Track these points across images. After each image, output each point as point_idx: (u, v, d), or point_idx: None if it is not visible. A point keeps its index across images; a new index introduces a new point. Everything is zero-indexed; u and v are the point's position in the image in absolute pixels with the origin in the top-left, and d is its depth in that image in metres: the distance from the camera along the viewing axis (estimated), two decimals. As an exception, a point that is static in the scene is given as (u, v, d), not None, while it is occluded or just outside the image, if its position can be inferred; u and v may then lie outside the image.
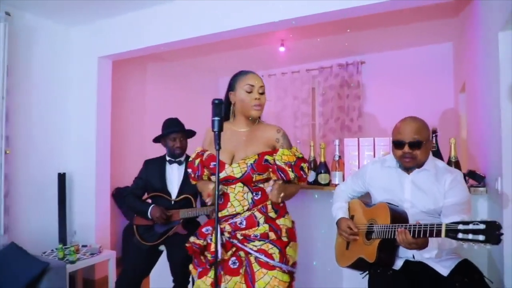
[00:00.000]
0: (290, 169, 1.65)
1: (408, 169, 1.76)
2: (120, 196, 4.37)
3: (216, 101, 1.46)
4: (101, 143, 3.82)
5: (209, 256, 1.67)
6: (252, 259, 1.61)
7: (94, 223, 3.76)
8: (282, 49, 4.46)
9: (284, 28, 3.47)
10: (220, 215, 1.68)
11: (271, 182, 1.61)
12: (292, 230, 1.72)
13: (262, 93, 1.74)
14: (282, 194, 1.60)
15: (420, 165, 1.73)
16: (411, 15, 3.61)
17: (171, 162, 2.55)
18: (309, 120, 5.38)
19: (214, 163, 1.66)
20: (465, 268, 1.63)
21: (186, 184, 2.48)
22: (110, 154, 3.93)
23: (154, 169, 2.55)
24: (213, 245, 1.63)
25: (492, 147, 2.06)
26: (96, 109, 3.77)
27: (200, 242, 1.70)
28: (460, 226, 1.28)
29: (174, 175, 2.53)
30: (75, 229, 3.69)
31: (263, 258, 1.58)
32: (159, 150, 2.81)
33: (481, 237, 1.23)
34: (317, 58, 5.17)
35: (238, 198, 1.66)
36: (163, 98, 5.17)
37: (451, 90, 4.34)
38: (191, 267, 1.80)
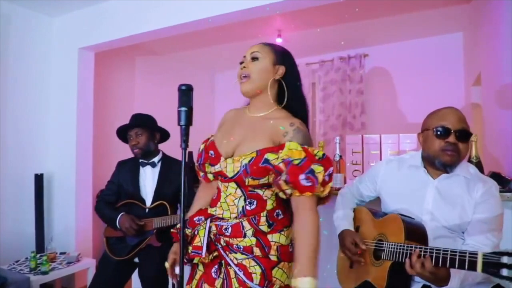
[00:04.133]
0: (285, 168, 1.21)
1: (444, 169, 1.42)
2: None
3: (183, 87, 1.17)
4: (82, 142, 3.54)
5: (190, 250, 1.33)
6: (231, 272, 1.28)
7: (75, 228, 3.48)
8: (279, 40, 4.15)
9: (278, 11, 3.17)
10: (210, 211, 1.39)
11: None
12: (286, 249, 1.31)
13: (255, 59, 1.35)
14: None
15: (452, 167, 1.41)
16: (418, 3, 3.32)
17: (143, 165, 2.25)
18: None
19: (211, 152, 1.37)
20: (498, 296, 1.32)
21: (161, 189, 2.18)
22: (92, 154, 3.65)
23: (126, 172, 2.25)
24: (197, 239, 1.32)
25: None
26: (77, 105, 3.49)
27: (188, 231, 1.38)
28: (505, 259, 0.93)
29: (148, 179, 2.23)
30: (53, 234, 3.41)
31: (241, 275, 1.26)
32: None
33: None
34: (317, 51, 4.86)
35: (228, 202, 1.33)
36: (154, 94, 4.86)
37: (461, 83, 4.05)
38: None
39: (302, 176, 1.17)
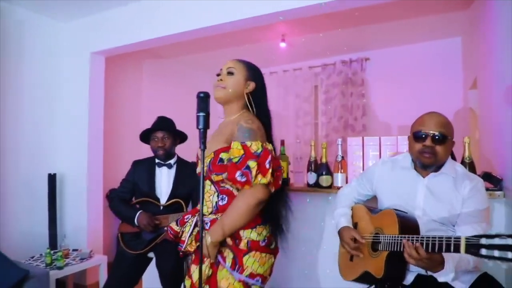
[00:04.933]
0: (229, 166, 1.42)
1: (425, 169, 1.56)
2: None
3: (202, 95, 1.30)
4: (93, 142, 3.66)
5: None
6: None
7: (86, 226, 3.60)
8: (283, 44, 4.27)
9: (283, 19, 3.30)
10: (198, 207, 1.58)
11: None
12: (257, 243, 1.48)
13: (230, 74, 1.56)
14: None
15: (438, 167, 1.53)
16: (418, 8, 3.43)
17: (160, 165, 2.38)
18: (312, 119, 5.19)
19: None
20: (485, 283, 1.44)
21: (177, 190, 2.31)
22: (103, 154, 3.77)
23: (142, 171, 2.38)
24: (184, 234, 1.55)
25: (510, 148, 1.87)
26: (88, 107, 3.61)
27: (177, 229, 1.60)
28: (483, 240, 1.07)
29: (163, 179, 2.36)
30: (65, 232, 3.53)
31: (219, 258, 1.49)
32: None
33: (510, 255, 1.01)
34: (319, 55, 4.98)
35: (206, 198, 1.53)
36: (160, 96, 5.00)
37: (460, 87, 4.15)
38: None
39: (238, 173, 1.36)
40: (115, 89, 4.26)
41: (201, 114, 1.27)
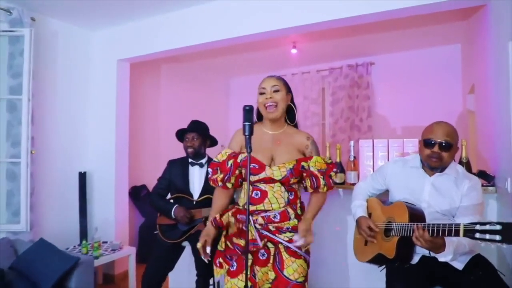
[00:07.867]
0: (322, 177, 1.80)
1: (431, 170, 1.83)
2: (137, 194, 4.52)
3: (247, 108, 1.57)
4: (120, 143, 3.95)
5: (242, 243, 1.77)
6: (281, 248, 1.77)
7: (114, 220, 3.90)
8: (294, 51, 4.56)
9: (296, 33, 3.58)
10: (255, 208, 1.80)
11: (296, 236, 1.75)
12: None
13: (276, 91, 1.83)
14: (308, 238, 1.74)
15: (443, 168, 1.81)
16: (420, 18, 3.69)
17: (193, 164, 2.65)
18: (319, 120, 5.48)
19: (253, 164, 1.80)
20: (478, 262, 1.74)
21: (208, 186, 2.59)
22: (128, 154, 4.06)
23: (177, 170, 2.65)
24: (250, 234, 1.73)
25: (502, 148, 2.15)
26: (116, 110, 3.91)
27: (240, 226, 1.83)
28: (478, 227, 1.36)
29: (195, 177, 2.63)
30: (96, 226, 3.82)
31: (292, 247, 1.75)
32: (173, 150, 2.96)
33: (498, 237, 1.31)
34: (327, 59, 5.27)
35: (276, 196, 1.80)
36: (177, 98, 5.30)
37: (459, 91, 4.42)
38: (221, 260, 1.87)
39: (330, 180, 1.83)
40: (136, 92, 4.52)
41: (247, 123, 1.55)
